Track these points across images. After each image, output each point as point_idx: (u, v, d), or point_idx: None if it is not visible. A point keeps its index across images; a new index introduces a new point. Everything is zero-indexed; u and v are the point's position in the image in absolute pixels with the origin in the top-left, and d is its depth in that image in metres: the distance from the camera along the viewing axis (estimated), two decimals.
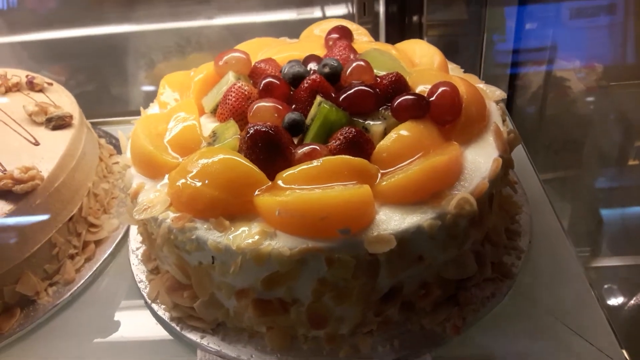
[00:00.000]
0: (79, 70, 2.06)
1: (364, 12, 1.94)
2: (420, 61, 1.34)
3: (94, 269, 1.30)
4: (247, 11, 2.04)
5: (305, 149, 1.04)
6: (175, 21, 2.03)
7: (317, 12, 2.04)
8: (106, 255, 1.33)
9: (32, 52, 2.06)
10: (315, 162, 1.00)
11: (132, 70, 2.13)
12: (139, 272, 1.27)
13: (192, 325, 1.12)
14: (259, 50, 1.44)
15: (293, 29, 1.59)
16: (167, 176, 1.11)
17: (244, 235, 0.97)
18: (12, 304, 1.20)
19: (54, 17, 1.99)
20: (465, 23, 1.93)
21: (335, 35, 1.43)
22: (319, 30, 1.53)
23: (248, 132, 1.06)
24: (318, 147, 1.04)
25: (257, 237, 0.96)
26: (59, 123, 1.34)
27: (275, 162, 1.04)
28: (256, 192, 1.01)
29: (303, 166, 1.00)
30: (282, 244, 0.95)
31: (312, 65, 1.28)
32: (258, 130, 1.05)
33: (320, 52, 1.39)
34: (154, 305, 1.18)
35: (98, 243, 1.35)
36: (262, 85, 1.20)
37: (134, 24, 2.02)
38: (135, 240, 1.35)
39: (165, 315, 1.15)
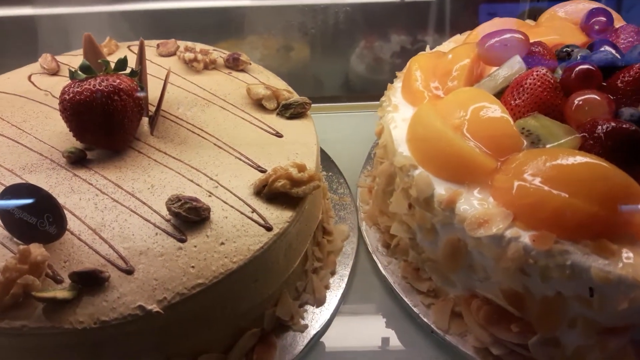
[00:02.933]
0: None
1: None
2: None
3: (343, 287, 1.09)
4: None
5: None
6: None
7: None
8: (349, 269, 1.12)
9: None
10: None
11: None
12: (403, 292, 1.06)
13: None
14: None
15: None
16: (478, 181, 0.91)
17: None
18: (268, 332, 0.98)
19: None
20: None
21: (602, 19, 1.23)
22: (563, 13, 1.33)
23: (603, 131, 0.86)
24: None
25: None
26: (298, 111, 1.11)
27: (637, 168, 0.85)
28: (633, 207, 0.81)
29: None
30: None
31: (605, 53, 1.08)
32: (622, 129, 0.85)
33: (574, 35, 1.20)
34: (450, 338, 0.97)
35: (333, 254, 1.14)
36: (577, 73, 1.00)
37: None
38: (379, 252, 1.14)
39: (472, 351, 0.95)
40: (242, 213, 0.91)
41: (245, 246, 0.86)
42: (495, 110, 0.96)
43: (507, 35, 1.10)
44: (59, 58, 1.34)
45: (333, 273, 1.11)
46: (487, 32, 1.16)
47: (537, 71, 1.00)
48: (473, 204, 0.89)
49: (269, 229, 0.89)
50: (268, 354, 0.95)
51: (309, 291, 1.06)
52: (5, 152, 1.04)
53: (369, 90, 2.27)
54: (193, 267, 0.83)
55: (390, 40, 2.26)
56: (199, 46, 1.32)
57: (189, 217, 0.87)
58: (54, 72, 1.29)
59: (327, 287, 1.08)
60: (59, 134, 1.09)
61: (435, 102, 1.07)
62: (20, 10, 1.90)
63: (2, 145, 1.06)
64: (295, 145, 1.05)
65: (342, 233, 1.17)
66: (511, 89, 1.02)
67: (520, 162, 0.88)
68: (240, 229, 0.89)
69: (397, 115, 1.11)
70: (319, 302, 1.05)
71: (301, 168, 0.95)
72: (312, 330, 1.01)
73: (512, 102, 1.01)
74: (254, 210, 0.92)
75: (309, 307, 1.05)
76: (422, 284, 1.04)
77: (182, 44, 1.34)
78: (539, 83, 0.99)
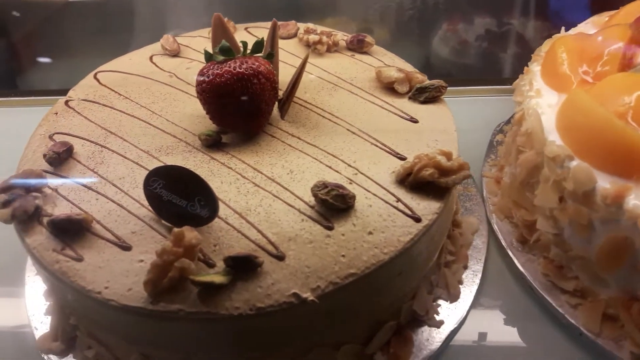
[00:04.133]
0: None
1: None
2: None
3: (477, 283, 1.03)
4: None
5: None
6: None
7: None
8: (481, 263, 1.06)
9: None
10: None
11: None
12: (544, 291, 0.99)
13: None
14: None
15: None
16: None
17: None
18: (403, 326, 0.95)
19: None
20: None
21: None
22: None
23: None
24: None
25: None
26: (433, 95, 1.06)
27: None
28: None
29: None
30: None
31: None
32: None
33: None
34: (602, 342, 0.90)
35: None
36: None
37: None
38: (514, 247, 1.07)
39: (628, 357, 0.88)
40: (386, 202, 0.87)
41: (395, 237, 0.83)
42: None
43: None
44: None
45: (465, 267, 1.05)
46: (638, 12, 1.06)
47: None
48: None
49: (417, 220, 0.85)
50: (405, 348, 0.92)
51: (442, 286, 1.01)
52: (138, 133, 1.05)
53: (453, 74, 2.19)
54: (344, 256, 0.80)
55: (474, 22, 2.17)
56: (319, 28, 1.28)
57: (335, 205, 0.85)
58: (175, 54, 1.29)
59: (460, 282, 1.03)
60: (189, 116, 1.09)
61: (587, 88, 0.99)
62: None
63: (135, 126, 1.07)
64: (434, 132, 1.00)
65: (471, 225, 1.11)
66: None
67: None
68: (387, 218, 0.85)
69: (542, 101, 1.03)
70: (453, 297, 1.00)
71: (449, 156, 0.89)
72: (448, 327, 0.96)
73: None
74: (398, 200, 0.88)
75: (442, 302, 1.01)
76: (568, 282, 0.97)
77: (302, 26, 1.31)
78: None
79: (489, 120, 1.43)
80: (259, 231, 0.84)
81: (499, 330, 0.99)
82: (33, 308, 1.05)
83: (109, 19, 2.13)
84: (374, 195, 0.88)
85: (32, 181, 0.92)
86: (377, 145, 0.98)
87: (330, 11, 2.14)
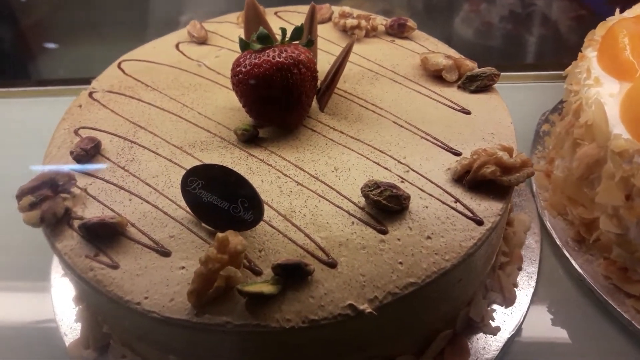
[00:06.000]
0: None
1: None
2: None
3: (533, 286, 0.97)
4: None
5: None
6: None
7: None
8: (536, 265, 1.00)
9: None
10: None
11: None
12: (607, 295, 0.93)
13: None
14: None
15: None
16: None
17: None
18: (458, 334, 0.89)
19: None
20: None
21: None
22: None
23: None
24: None
25: None
26: (485, 84, 0.98)
27: None
28: None
29: None
30: None
31: None
32: None
33: None
34: None
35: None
36: None
37: None
38: (569, 247, 1.01)
39: None
40: (443, 203, 0.81)
41: (456, 242, 0.76)
42: None
43: None
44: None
45: (520, 269, 0.99)
46: None
47: None
48: None
49: (479, 222, 0.78)
50: (461, 357, 0.86)
51: (497, 289, 0.95)
52: (170, 127, 0.99)
53: (478, 58, 2.11)
54: (401, 263, 0.74)
55: (496, 3, 2.08)
56: (356, 12, 1.20)
57: (388, 206, 0.78)
58: (203, 41, 1.22)
59: (515, 285, 0.96)
60: (222, 108, 1.02)
61: None
62: None
63: (165, 120, 1.01)
64: (489, 124, 0.93)
65: (522, 223, 1.04)
66: None
67: None
68: (445, 221, 0.78)
69: (602, 90, 0.96)
70: (509, 302, 0.94)
71: (510, 152, 0.82)
72: (505, 334, 0.90)
73: None
74: (457, 200, 0.81)
75: (497, 307, 0.94)
76: (633, 286, 0.91)
77: (336, 9, 1.23)
78: None
79: (529, 108, 1.35)
80: (307, 235, 0.77)
81: (558, 336, 0.92)
82: (61, 313, 1.00)
83: (122, 4, 2.07)
84: (430, 195, 0.82)
85: (60, 181, 0.86)
86: (428, 140, 0.91)
87: None
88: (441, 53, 1.03)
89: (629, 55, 0.96)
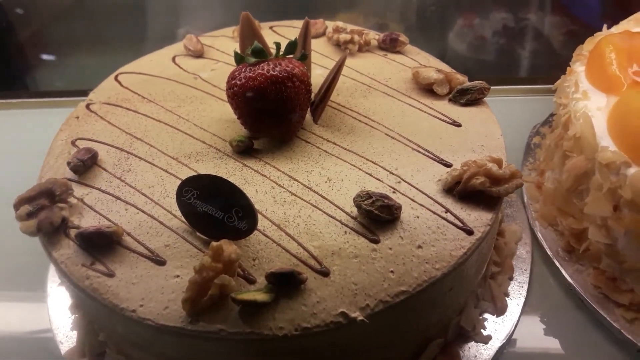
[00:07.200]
0: None
1: None
2: None
3: (524, 295, 0.98)
4: None
5: None
6: None
7: None
8: (527, 274, 1.01)
9: None
10: None
11: None
12: (597, 304, 0.94)
13: None
14: None
15: None
16: None
17: None
18: (450, 342, 0.90)
19: None
20: None
21: None
22: None
23: None
24: None
25: None
26: (475, 97, 1.00)
27: None
28: None
29: None
30: None
31: None
32: None
33: None
34: None
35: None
36: None
37: None
38: (560, 257, 1.02)
39: None
40: (434, 213, 0.82)
41: (446, 251, 0.77)
42: None
43: None
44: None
45: (511, 278, 1.00)
46: None
47: None
48: None
49: (469, 232, 0.80)
50: None
51: (488, 299, 0.96)
52: (165, 139, 1.00)
53: (472, 72, 2.14)
54: (392, 272, 0.75)
55: (490, 18, 2.12)
56: (349, 26, 1.23)
57: (380, 216, 0.80)
58: (199, 54, 1.24)
59: (506, 295, 0.98)
60: (217, 120, 1.04)
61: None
62: None
63: (161, 131, 1.02)
64: (479, 137, 0.95)
65: (514, 234, 1.06)
66: None
67: None
68: (436, 230, 0.80)
69: (590, 103, 0.98)
70: (500, 311, 0.95)
71: (499, 163, 0.84)
72: (496, 343, 0.91)
73: None
74: (447, 210, 0.82)
75: (489, 316, 0.96)
76: (622, 295, 0.92)
77: (330, 24, 1.26)
78: None
79: (521, 121, 1.38)
80: (300, 244, 0.79)
81: (549, 345, 0.94)
82: (57, 321, 1.01)
83: (119, 17, 2.09)
84: (421, 205, 0.83)
85: (57, 191, 0.88)
86: (419, 151, 0.93)
87: (342, 7, 2.09)
88: (432, 67, 1.06)
89: (616, 69, 0.99)
